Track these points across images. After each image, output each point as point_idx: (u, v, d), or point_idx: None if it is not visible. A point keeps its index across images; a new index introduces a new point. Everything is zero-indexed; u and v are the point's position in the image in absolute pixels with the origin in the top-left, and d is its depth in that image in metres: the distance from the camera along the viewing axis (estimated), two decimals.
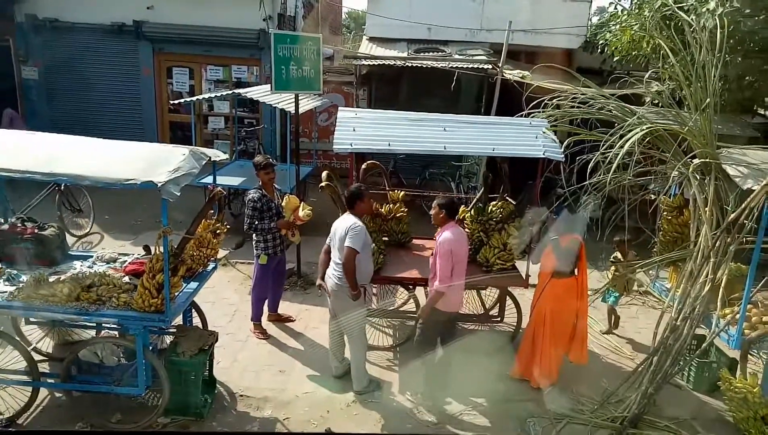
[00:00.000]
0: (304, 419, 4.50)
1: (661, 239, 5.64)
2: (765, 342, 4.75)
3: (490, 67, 9.77)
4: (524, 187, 7.86)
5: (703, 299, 4.29)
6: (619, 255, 6.13)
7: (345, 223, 4.64)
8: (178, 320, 4.74)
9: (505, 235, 5.56)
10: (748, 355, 4.65)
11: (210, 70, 11.33)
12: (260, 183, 5.66)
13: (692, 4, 6.56)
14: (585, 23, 11.44)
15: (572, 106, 5.64)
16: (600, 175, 4.94)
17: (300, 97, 7.28)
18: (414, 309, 5.64)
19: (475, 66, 9.79)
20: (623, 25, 8.25)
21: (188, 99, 8.80)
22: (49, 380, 4.53)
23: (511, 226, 5.59)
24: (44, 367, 4.70)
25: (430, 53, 10.93)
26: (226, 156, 5.73)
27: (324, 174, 5.61)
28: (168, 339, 4.85)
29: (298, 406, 4.66)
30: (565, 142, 5.34)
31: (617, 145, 4.74)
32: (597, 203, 5.31)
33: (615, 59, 8.59)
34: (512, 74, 9.17)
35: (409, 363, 5.16)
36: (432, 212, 4.73)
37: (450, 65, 9.72)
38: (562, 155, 5.13)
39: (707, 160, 4.73)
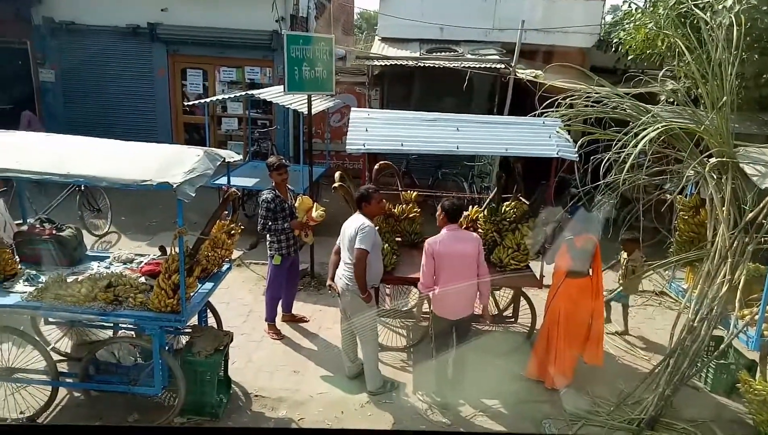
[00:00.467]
0: (319, 420, 4.52)
1: (677, 239, 5.58)
2: None
3: (502, 66, 9.74)
4: (538, 187, 7.82)
5: (720, 300, 4.24)
6: (625, 254, 6.08)
7: (354, 223, 4.64)
8: (194, 320, 4.79)
9: (519, 236, 5.54)
10: None
11: (223, 71, 11.41)
12: (273, 184, 5.69)
13: (708, 2, 6.49)
14: (599, 22, 11.35)
15: (586, 106, 5.61)
16: (614, 175, 4.91)
17: (313, 98, 7.30)
18: (427, 309, 5.63)
19: (488, 66, 9.76)
20: (637, 23, 8.17)
21: (202, 100, 8.87)
22: (68, 380, 4.59)
23: (525, 226, 5.56)
24: (63, 367, 4.76)
25: (443, 53, 10.92)
26: (240, 157, 5.78)
27: (337, 174, 5.63)
28: (184, 339, 4.89)
29: (312, 407, 4.68)
30: (579, 142, 5.32)
31: (632, 144, 4.71)
32: (611, 203, 5.27)
33: (629, 58, 8.52)
34: (525, 74, 9.13)
35: (423, 364, 5.17)
36: (436, 214, 4.74)
37: (462, 65, 9.70)
38: (576, 155, 5.10)
39: (724, 159, 4.68)
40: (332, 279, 4.84)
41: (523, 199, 5.91)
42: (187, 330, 4.76)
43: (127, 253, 5.19)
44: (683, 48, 5.32)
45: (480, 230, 5.86)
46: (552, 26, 11.06)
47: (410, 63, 10.04)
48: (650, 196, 5.32)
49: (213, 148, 4.75)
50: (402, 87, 11.24)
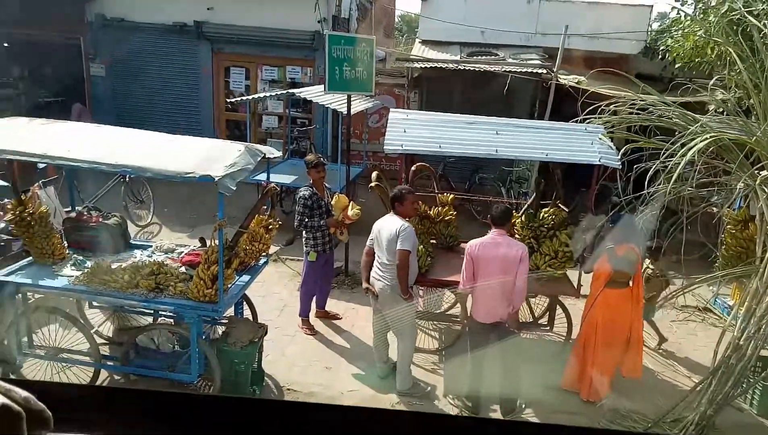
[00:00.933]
0: None
1: (724, 254, 5.41)
2: None
3: (544, 71, 9.62)
4: (577, 195, 7.70)
5: None
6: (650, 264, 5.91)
7: (392, 224, 4.65)
8: (230, 312, 4.88)
9: (557, 243, 5.46)
10: None
11: (265, 70, 11.60)
12: (311, 181, 5.76)
13: (763, 9, 6.27)
14: (645, 28, 11.10)
15: (630, 113, 5.49)
16: (659, 185, 4.79)
17: (352, 99, 7.36)
18: (459, 312, 5.61)
19: (530, 70, 9.66)
20: (686, 30, 7.96)
21: (244, 98, 9.04)
22: (109, 363, 4.74)
23: (563, 233, 5.48)
24: (105, 350, 4.92)
25: (484, 57, 10.85)
26: (279, 153, 5.87)
27: (374, 174, 5.67)
28: (220, 329, 5.00)
29: (343, 404, 4.71)
30: (623, 150, 5.21)
31: (678, 154, 4.58)
32: (655, 214, 5.15)
33: (677, 66, 8.30)
34: (567, 79, 9.00)
35: (455, 367, 5.14)
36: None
37: (503, 69, 9.63)
38: (619, 162, 5.00)
39: None
40: (368, 281, 4.85)
41: (562, 206, 5.82)
42: (223, 320, 4.86)
43: (168, 244, 5.34)
44: (735, 56, 5.15)
45: (517, 236, 5.79)
46: (596, 32, 10.87)
47: (450, 66, 10.02)
48: (696, 208, 5.17)
49: (254, 144, 4.85)
50: (441, 90, 11.22)
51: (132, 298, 4.31)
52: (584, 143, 5.28)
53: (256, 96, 9.46)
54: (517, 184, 10.15)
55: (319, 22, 10.86)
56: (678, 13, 8.99)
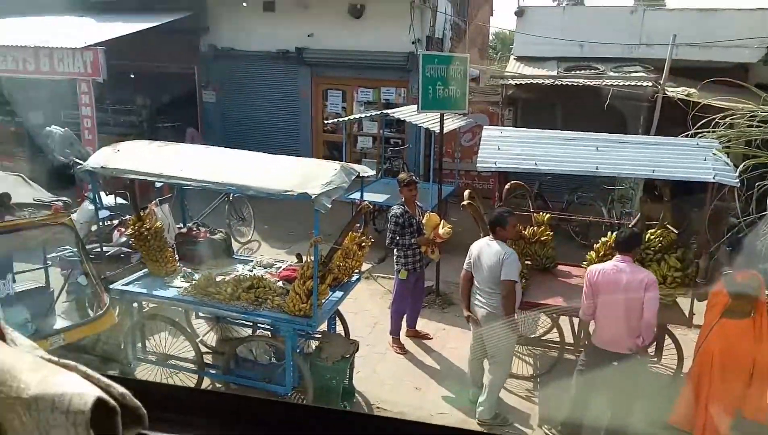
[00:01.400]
0: None
1: None
2: None
3: (649, 84, 9.09)
4: (688, 215, 7.14)
5: None
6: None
7: (494, 250, 4.49)
8: (324, 327, 5.00)
9: (665, 267, 5.07)
10: None
11: (361, 92, 11.93)
12: (403, 199, 5.80)
13: None
14: (766, 34, 10.18)
15: (750, 126, 5.04)
16: None
17: (445, 117, 7.37)
18: (557, 338, 5.35)
19: (633, 83, 9.17)
20: None
21: (341, 119, 9.35)
22: (212, 371, 5.01)
23: (673, 257, 5.08)
24: (208, 359, 5.21)
25: (582, 71, 10.46)
26: (373, 173, 5.98)
27: (466, 193, 5.60)
28: (313, 344, 5.12)
29: None
30: (741, 166, 4.78)
31: None
32: None
33: None
34: (676, 92, 8.44)
35: (552, 396, 4.91)
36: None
37: (604, 83, 9.21)
38: (738, 180, 4.58)
39: None
40: (468, 308, 4.74)
41: (671, 228, 5.42)
42: (317, 335, 4.98)
43: (268, 259, 5.58)
44: None
45: None
46: (709, 40, 10.13)
47: (547, 81, 9.75)
48: None
49: (349, 163, 4.97)
50: (537, 107, 10.94)
51: (233, 309, 4.54)
52: (696, 159, 4.90)
53: (351, 117, 9.74)
54: (620, 204, 9.60)
55: (413, 43, 11.03)
56: None
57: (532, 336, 5.80)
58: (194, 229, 5.64)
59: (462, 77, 7.14)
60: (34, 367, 0.33)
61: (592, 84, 9.39)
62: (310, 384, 4.46)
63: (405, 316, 6.00)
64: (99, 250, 5.32)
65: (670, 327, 5.24)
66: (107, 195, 7.13)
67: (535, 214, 6.15)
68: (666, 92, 8.58)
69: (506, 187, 6.10)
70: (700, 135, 5.25)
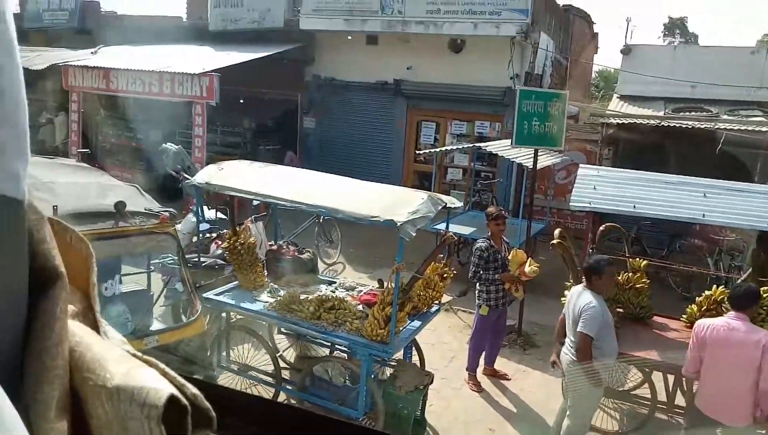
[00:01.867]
0: None
1: None
2: None
3: None
4: None
5: None
6: None
7: (580, 299, 4.26)
8: (400, 355, 4.97)
9: None
10: None
11: (455, 124, 11.99)
12: (489, 234, 5.70)
13: None
14: None
15: None
16: None
17: (539, 153, 7.21)
18: (648, 395, 4.96)
19: (751, 128, 8.51)
20: None
21: (433, 150, 9.43)
22: (288, 387, 5.13)
23: None
24: (285, 374, 5.34)
25: (692, 113, 9.87)
26: (461, 204, 5.95)
27: (556, 231, 5.40)
28: (388, 371, 5.10)
29: None
30: None
31: None
32: None
33: None
34: None
35: None
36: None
37: (717, 126, 8.62)
38: None
39: None
40: (558, 354, 4.53)
41: None
42: (392, 363, 4.96)
43: (350, 281, 5.69)
44: None
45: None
46: None
47: (652, 122, 9.29)
48: None
49: (436, 194, 4.99)
50: (640, 148, 10.42)
51: (313, 328, 4.64)
52: None
53: (444, 148, 9.80)
54: (728, 256, 8.84)
55: (511, 78, 10.97)
56: None
57: (620, 389, 5.42)
58: (284, 247, 5.88)
59: (560, 114, 6.98)
60: (120, 360, 0.36)
61: (703, 127, 8.82)
62: (381, 411, 4.44)
63: (484, 354, 5.84)
64: (196, 259, 5.67)
65: None
66: (210, 209, 7.62)
67: (630, 260, 5.81)
68: None
69: (600, 229, 5.83)
70: None
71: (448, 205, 4.85)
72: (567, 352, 4.36)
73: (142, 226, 4.43)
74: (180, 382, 0.37)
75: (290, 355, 5.72)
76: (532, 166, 7.15)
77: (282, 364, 5.29)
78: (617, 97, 11.35)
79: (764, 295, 4.89)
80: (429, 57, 11.67)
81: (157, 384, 0.34)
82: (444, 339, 6.67)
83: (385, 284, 4.65)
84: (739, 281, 5.62)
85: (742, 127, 8.54)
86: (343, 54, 12.46)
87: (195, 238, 6.47)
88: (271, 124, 13.93)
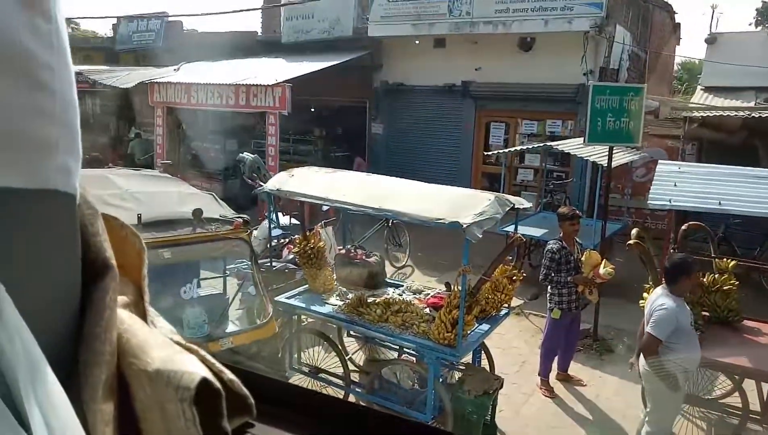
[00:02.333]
0: None
1: None
2: None
3: None
4: None
5: None
6: None
7: (656, 301, 4.06)
8: (468, 359, 4.92)
9: None
10: None
11: (525, 124, 11.71)
12: (561, 235, 5.52)
13: None
14: None
15: None
16: None
17: (615, 151, 6.90)
18: (739, 404, 4.61)
19: None
20: None
21: (503, 150, 9.26)
22: (357, 389, 5.19)
23: None
24: (354, 377, 5.42)
25: None
26: (530, 205, 5.80)
27: (634, 231, 5.16)
28: (457, 375, 5.06)
29: None
30: None
31: None
32: None
33: None
34: None
35: None
36: None
37: None
38: None
39: None
40: (637, 356, 4.34)
41: None
42: (461, 367, 4.91)
43: (418, 285, 5.69)
44: None
45: None
46: None
47: (741, 114, 8.65)
48: None
49: (504, 194, 4.89)
50: (727, 143, 9.73)
51: (381, 331, 4.68)
52: None
53: (512, 149, 9.60)
54: None
55: (585, 74, 10.57)
56: None
57: (707, 397, 5.07)
58: (352, 250, 5.97)
59: (637, 109, 6.65)
60: (162, 346, 0.37)
61: None
62: (449, 415, 4.40)
63: (556, 359, 5.65)
64: (269, 264, 5.88)
65: None
66: (283, 216, 7.88)
67: (717, 261, 5.43)
68: None
69: (683, 228, 5.51)
70: None
71: (516, 206, 4.75)
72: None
73: (217, 232, 4.65)
74: (218, 369, 0.38)
75: (359, 358, 5.78)
76: (606, 165, 6.86)
77: (351, 367, 5.36)
78: (701, 89, 10.67)
79: None
80: (498, 57, 11.48)
81: (192, 368, 0.35)
82: (514, 343, 6.52)
83: (452, 287, 4.61)
84: None
85: None
86: (411, 59, 12.50)
87: (269, 244, 6.71)
88: (340, 131, 14.23)
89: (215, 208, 5.02)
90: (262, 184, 8.78)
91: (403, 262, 9.11)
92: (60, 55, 0.34)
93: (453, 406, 4.43)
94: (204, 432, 0.35)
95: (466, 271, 4.26)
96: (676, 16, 16.38)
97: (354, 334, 5.56)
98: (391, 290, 5.50)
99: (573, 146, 8.17)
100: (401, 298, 5.06)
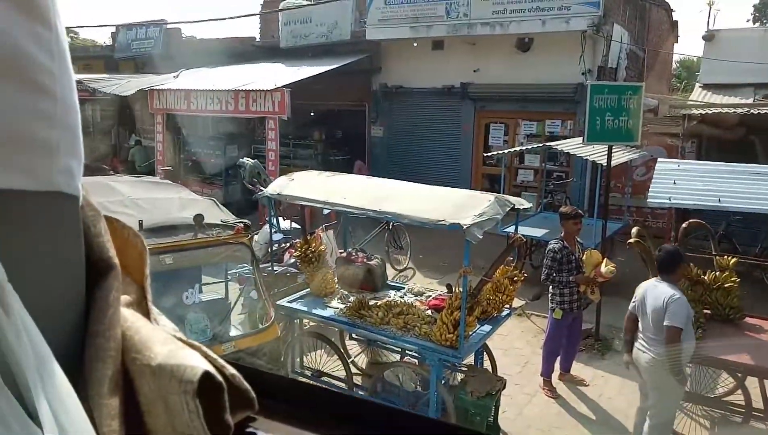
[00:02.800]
0: None
1: None
2: None
3: None
4: None
5: None
6: None
7: (660, 292, 4.09)
8: (470, 360, 4.92)
9: None
10: None
11: (524, 125, 11.72)
12: (562, 234, 5.53)
13: None
14: None
15: None
16: None
17: (614, 150, 6.91)
18: (742, 401, 4.61)
19: None
20: None
21: (502, 151, 9.27)
22: (360, 392, 5.20)
23: None
24: (357, 380, 5.42)
25: None
26: (531, 205, 5.81)
27: (634, 230, 5.16)
28: (459, 376, 5.06)
29: None
30: None
31: None
32: None
33: None
34: None
35: None
36: None
37: None
38: None
39: None
40: (630, 352, 4.36)
41: None
42: (463, 368, 4.91)
43: (419, 287, 5.69)
44: None
45: None
46: None
47: (740, 111, 8.66)
48: None
49: (504, 195, 4.90)
50: (726, 140, 9.73)
51: (383, 333, 4.69)
52: None
53: (512, 150, 9.60)
54: None
55: (583, 74, 10.58)
56: None
57: (709, 395, 5.07)
58: (353, 254, 5.98)
59: (635, 107, 6.65)
60: (164, 342, 0.38)
61: None
62: (452, 416, 4.40)
63: (558, 359, 5.65)
64: (270, 268, 5.89)
65: None
66: (284, 220, 7.89)
67: (718, 258, 5.43)
68: None
69: (683, 225, 5.51)
70: None
71: (516, 207, 4.76)
72: (644, 350, 4.17)
73: (218, 237, 4.67)
74: (220, 364, 0.39)
75: (362, 360, 5.79)
76: (606, 164, 6.87)
77: (353, 370, 5.37)
78: (700, 87, 10.67)
79: None
80: (496, 58, 11.50)
81: (194, 362, 0.36)
82: (516, 344, 6.52)
83: (454, 289, 4.62)
84: None
85: None
86: (409, 61, 12.53)
87: (270, 249, 6.71)
88: (340, 135, 14.24)
89: (216, 213, 5.03)
90: (262, 188, 8.81)
91: (404, 265, 9.12)
92: (60, 61, 0.35)
93: (456, 408, 4.44)
94: (207, 426, 0.36)
95: (467, 272, 4.27)
96: (673, 13, 16.41)
97: (356, 337, 5.57)
98: (392, 293, 5.50)
99: (572, 146, 8.18)
100: (403, 301, 5.07)
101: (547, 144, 9.02)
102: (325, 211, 7.45)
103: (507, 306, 5.11)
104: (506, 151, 9.40)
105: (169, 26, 16.01)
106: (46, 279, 0.35)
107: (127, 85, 13.50)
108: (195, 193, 6.19)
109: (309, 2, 13.70)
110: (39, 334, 0.32)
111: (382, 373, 4.98)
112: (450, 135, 12.49)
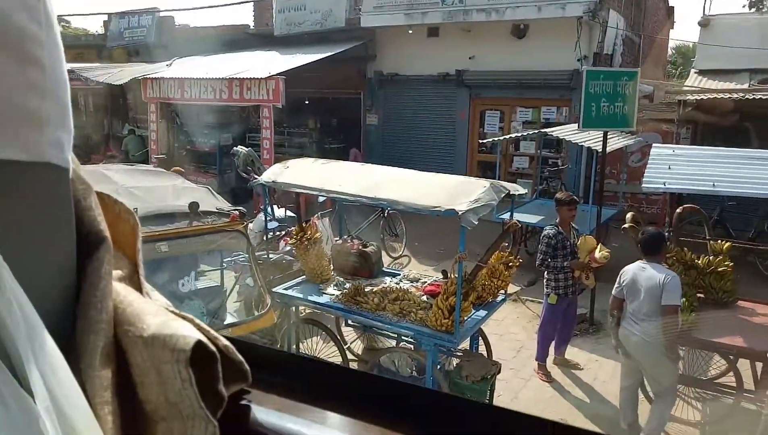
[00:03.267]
0: None
1: None
2: None
3: None
4: None
5: None
6: None
7: (652, 273, 4.13)
8: (466, 345, 4.95)
9: None
10: None
11: (520, 111, 11.71)
12: (558, 220, 5.55)
13: None
14: None
15: None
16: None
17: (609, 136, 6.91)
18: (734, 383, 4.67)
19: None
20: None
21: (497, 138, 9.26)
22: None
23: None
24: (353, 366, 5.45)
25: None
26: (526, 191, 5.81)
27: (628, 215, 5.20)
28: (454, 361, 5.09)
29: None
30: None
31: None
32: None
33: None
34: None
35: None
36: None
37: None
38: None
39: None
40: (617, 337, 4.42)
41: None
42: (458, 353, 4.94)
43: (415, 273, 5.71)
44: None
45: None
46: None
47: (735, 96, 8.66)
48: None
49: (499, 181, 4.90)
50: (721, 125, 9.74)
51: (378, 319, 4.70)
52: None
53: (506, 137, 9.59)
54: None
55: (579, 60, 10.56)
56: None
57: (701, 377, 5.12)
58: (348, 241, 5.98)
59: (631, 93, 6.65)
60: (156, 313, 0.38)
61: None
62: None
63: (553, 343, 5.70)
64: (266, 256, 5.89)
65: None
66: (279, 208, 7.88)
67: (712, 243, 5.46)
68: None
69: (677, 211, 5.53)
70: None
71: (511, 193, 4.76)
72: (636, 332, 4.21)
73: (213, 224, 4.66)
74: (213, 335, 0.39)
75: (358, 347, 5.82)
76: (601, 150, 6.87)
77: (350, 356, 5.39)
78: (695, 73, 10.67)
79: None
80: (491, 45, 11.46)
81: (187, 332, 0.37)
82: (512, 329, 6.56)
83: (449, 275, 4.64)
84: None
85: None
86: (405, 48, 12.47)
87: (265, 236, 6.71)
88: (335, 123, 14.19)
89: (211, 201, 5.02)
90: (256, 177, 8.79)
91: (400, 252, 9.13)
92: (49, 31, 0.35)
93: (451, 392, 4.47)
94: (201, 398, 0.36)
95: (463, 257, 4.28)
96: None
97: (352, 323, 5.59)
98: (388, 279, 5.52)
99: (568, 132, 8.18)
100: (398, 287, 5.08)
101: (543, 130, 9.02)
102: (321, 199, 7.46)
103: (502, 291, 5.13)
104: (501, 138, 9.40)
105: (161, 14, 15.86)
106: (37, 251, 0.35)
107: (120, 74, 13.40)
108: (189, 181, 6.16)
109: None
110: (30, 306, 0.32)
111: (378, 359, 5.01)
112: (445, 122, 12.47)
